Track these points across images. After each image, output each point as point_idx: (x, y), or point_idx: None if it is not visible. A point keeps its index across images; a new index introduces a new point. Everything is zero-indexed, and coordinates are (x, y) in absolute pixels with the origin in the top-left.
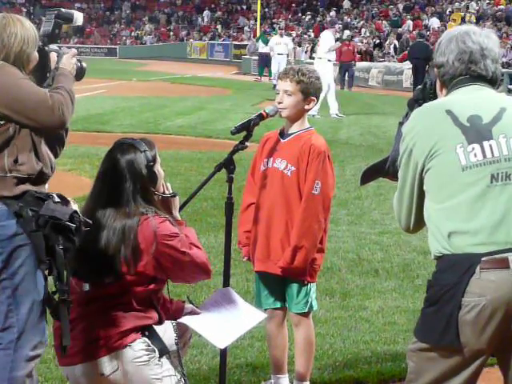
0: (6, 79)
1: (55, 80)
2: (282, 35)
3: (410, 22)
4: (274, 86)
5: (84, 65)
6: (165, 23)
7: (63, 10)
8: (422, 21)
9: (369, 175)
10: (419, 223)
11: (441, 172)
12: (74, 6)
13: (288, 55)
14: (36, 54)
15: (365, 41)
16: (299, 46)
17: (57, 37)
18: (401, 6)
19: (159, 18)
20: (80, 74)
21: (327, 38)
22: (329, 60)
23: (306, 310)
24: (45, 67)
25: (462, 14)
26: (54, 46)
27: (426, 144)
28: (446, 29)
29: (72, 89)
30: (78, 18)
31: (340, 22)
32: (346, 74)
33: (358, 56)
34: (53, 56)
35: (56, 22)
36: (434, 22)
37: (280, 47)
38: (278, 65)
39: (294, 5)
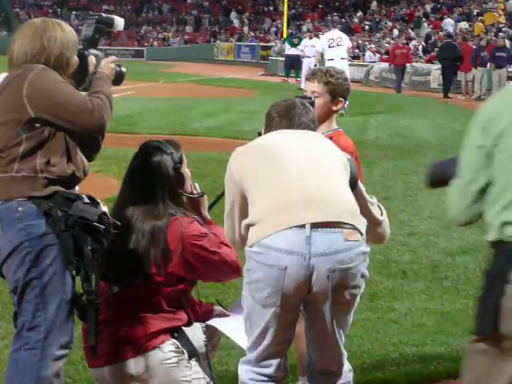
0: (46, 83)
1: (93, 84)
2: (311, 37)
3: (425, 25)
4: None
5: (123, 69)
6: (192, 25)
7: (104, 14)
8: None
9: (439, 178)
10: (478, 215)
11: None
12: (102, 8)
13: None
14: (76, 58)
15: (392, 42)
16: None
17: (97, 41)
18: (428, 7)
19: (186, 20)
20: (119, 78)
21: (347, 39)
22: (342, 58)
23: None
24: (84, 71)
25: (495, 14)
26: (93, 51)
27: (495, 128)
28: (471, 29)
29: (110, 93)
30: (119, 23)
31: (368, 22)
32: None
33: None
34: (91, 59)
35: (97, 26)
36: (448, 24)
37: (309, 49)
38: (308, 67)
39: (320, 6)
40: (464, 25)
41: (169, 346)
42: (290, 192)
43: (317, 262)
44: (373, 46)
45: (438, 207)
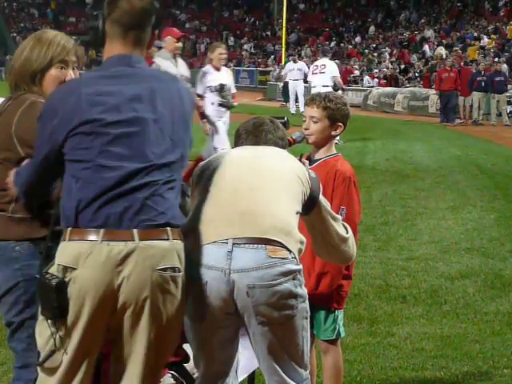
0: (34, 119)
1: None
2: (295, 61)
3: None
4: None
5: None
6: (190, 50)
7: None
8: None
9: None
10: None
11: None
12: None
13: (304, 80)
14: None
15: (390, 66)
16: None
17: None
18: (428, 33)
19: (184, 45)
20: None
21: (333, 67)
22: (324, 86)
23: (334, 337)
24: None
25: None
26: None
27: None
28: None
29: None
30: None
31: (365, 47)
32: (447, 105)
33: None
34: None
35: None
36: (427, 49)
37: (294, 73)
38: (294, 90)
39: (326, 29)
40: (441, 49)
41: (168, 379)
42: (219, 206)
43: (236, 278)
44: (377, 70)
45: (436, 232)
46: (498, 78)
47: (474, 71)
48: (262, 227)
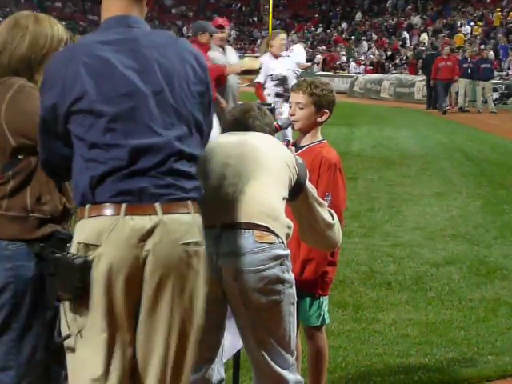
0: (25, 104)
1: None
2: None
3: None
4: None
5: None
6: (176, 35)
7: None
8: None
9: None
10: None
11: None
12: (87, 18)
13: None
14: None
15: (377, 52)
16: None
17: None
18: (414, 20)
19: (171, 30)
20: None
21: (300, 52)
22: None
23: (319, 324)
24: None
25: (477, 29)
26: None
27: None
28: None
29: None
30: None
31: (351, 33)
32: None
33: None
34: None
35: None
36: (407, 36)
37: None
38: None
39: (315, 16)
40: (424, 36)
41: None
42: (207, 191)
43: (224, 263)
44: (362, 58)
45: (422, 218)
46: (484, 65)
47: (460, 58)
48: (250, 212)
